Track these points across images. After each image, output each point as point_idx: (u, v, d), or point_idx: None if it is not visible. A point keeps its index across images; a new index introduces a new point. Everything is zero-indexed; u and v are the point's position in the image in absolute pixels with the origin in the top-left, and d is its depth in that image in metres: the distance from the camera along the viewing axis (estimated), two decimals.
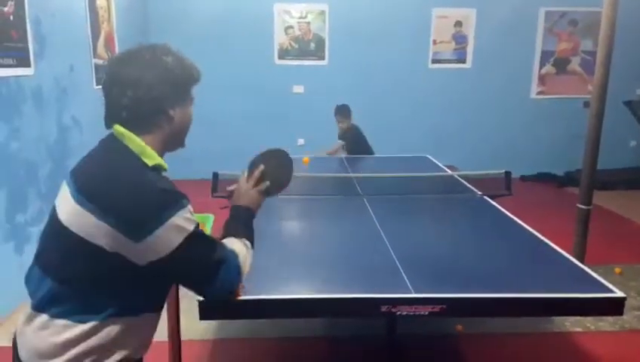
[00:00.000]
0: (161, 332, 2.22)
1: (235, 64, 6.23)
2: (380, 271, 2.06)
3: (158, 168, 1.25)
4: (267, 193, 1.51)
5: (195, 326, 2.71)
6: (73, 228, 1.16)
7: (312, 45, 6.36)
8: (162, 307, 1.33)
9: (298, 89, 6.42)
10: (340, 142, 4.94)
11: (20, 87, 3.22)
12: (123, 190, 1.16)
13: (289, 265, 2.16)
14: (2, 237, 3.04)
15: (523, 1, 6.34)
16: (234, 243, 1.36)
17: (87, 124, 3.89)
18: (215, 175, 3.18)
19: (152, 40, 6.43)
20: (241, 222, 1.44)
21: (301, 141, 6.41)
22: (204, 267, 1.26)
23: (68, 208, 1.19)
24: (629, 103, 6.42)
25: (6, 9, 3.01)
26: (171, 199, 1.19)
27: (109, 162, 1.23)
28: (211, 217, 2.28)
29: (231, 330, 2.92)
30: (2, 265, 3.02)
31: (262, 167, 1.49)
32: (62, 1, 3.85)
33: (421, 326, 2.78)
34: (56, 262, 1.20)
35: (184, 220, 1.20)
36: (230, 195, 1.53)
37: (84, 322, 1.17)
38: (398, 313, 1.76)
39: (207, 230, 2.13)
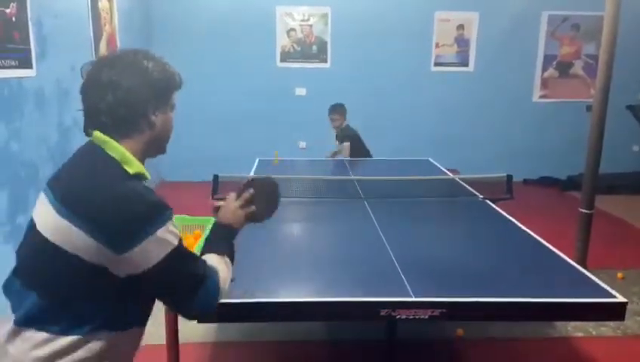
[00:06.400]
0: (159, 336, 2.22)
1: (238, 66, 6.23)
2: (380, 275, 2.05)
3: (139, 176, 1.22)
4: (251, 218, 1.52)
5: (193, 329, 2.69)
6: (54, 240, 1.13)
7: (315, 48, 6.35)
8: (146, 321, 1.30)
9: (300, 91, 6.42)
10: (347, 144, 4.85)
11: (22, 88, 3.23)
12: (106, 200, 1.12)
13: (289, 267, 2.15)
14: (3, 238, 3.04)
15: (525, 4, 6.34)
16: (215, 261, 1.33)
17: None
18: (216, 177, 3.18)
19: (154, 42, 6.43)
20: (223, 239, 1.43)
21: (303, 144, 6.41)
22: (184, 284, 1.22)
23: (48, 219, 1.15)
24: (632, 108, 6.41)
25: (8, 10, 3.02)
26: (155, 211, 1.16)
27: (90, 171, 1.19)
28: (212, 220, 2.27)
29: (230, 333, 2.90)
30: (2, 266, 3.02)
31: (252, 191, 1.50)
32: (64, 2, 3.85)
33: (421, 330, 2.77)
34: (37, 275, 1.17)
35: (168, 233, 1.17)
36: (216, 211, 1.54)
37: (67, 335, 1.14)
38: (398, 316, 1.76)
39: (207, 232, 2.12)
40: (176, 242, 1.19)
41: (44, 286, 1.16)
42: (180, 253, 1.20)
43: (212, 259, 1.33)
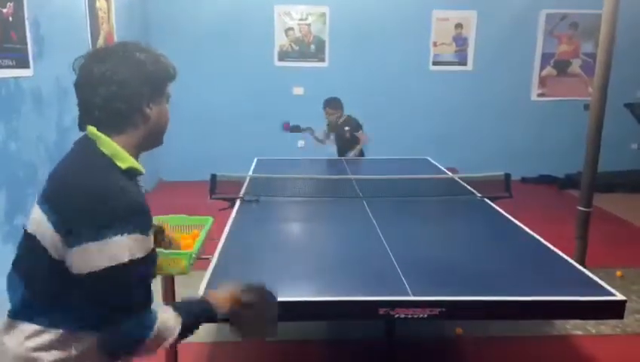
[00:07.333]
0: None
1: (236, 65, 6.22)
2: (378, 274, 2.05)
3: (131, 171, 1.20)
4: (234, 322, 1.39)
5: None
6: (35, 234, 1.15)
7: (313, 47, 6.35)
8: None
9: (298, 91, 6.41)
10: (361, 132, 4.83)
11: (19, 88, 3.22)
12: (77, 191, 1.11)
13: (288, 267, 2.14)
14: (1, 238, 3.03)
15: (524, 3, 6.33)
16: (166, 312, 1.21)
17: None
18: (213, 176, 3.18)
19: (152, 41, 6.39)
20: (194, 312, 1.29)
21: (301, 143, 6.40)
22: (110, 305, 1.12)
23: (33, 214, 1.17)
24: (630, 105, 6.41)
25: (5, 10, 3.01)
26: (121, 217, 1.09)
27: (76, 164, 1.19)
28: (210, 219, 2.26)
29: (229, 333, 2.89)
30: (1, 267, 3.01)
31: (253, 298, 1.38)
32: (61, 2, 3.84)
33: (420, 329, 2.77)
34: (25, 268, 1.19)
35: (121, 247, 1.08)
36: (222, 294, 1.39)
37: (55, 328, 1.14)
38: (397, 316, 1.75)
39: (205, 232, 2.12)
40: (124, 259, 1.08)
41: (30, 279, 1.18)
42: (126, 272, 1.10)
43: (165, 310, 1.22)
